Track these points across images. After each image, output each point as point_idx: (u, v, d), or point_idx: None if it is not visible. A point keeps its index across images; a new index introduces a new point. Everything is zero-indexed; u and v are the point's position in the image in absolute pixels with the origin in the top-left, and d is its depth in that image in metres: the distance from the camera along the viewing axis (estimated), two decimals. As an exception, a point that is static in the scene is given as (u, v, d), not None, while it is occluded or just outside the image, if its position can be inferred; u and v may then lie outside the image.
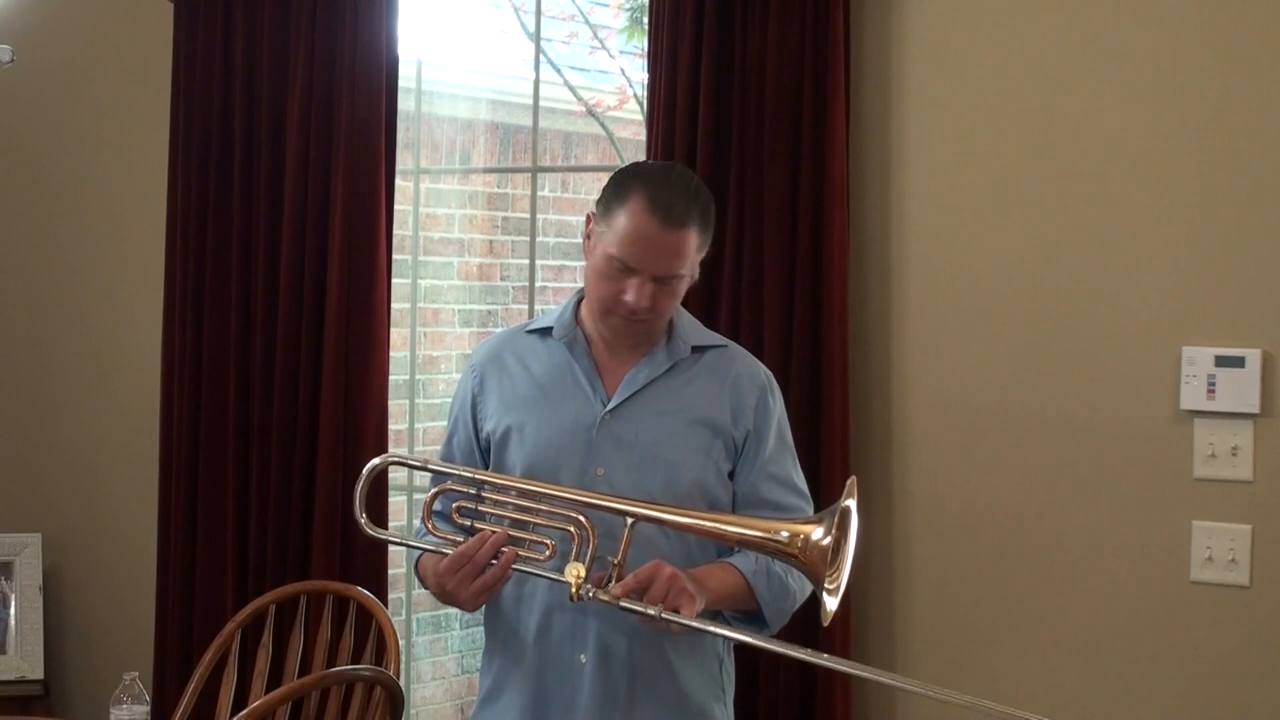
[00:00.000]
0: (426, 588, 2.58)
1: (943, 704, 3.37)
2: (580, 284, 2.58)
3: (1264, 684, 3.15)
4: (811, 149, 3.39)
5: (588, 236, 2.50)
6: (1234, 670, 3.18)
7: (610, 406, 2.49)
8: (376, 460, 2.54)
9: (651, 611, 2.28)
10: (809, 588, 2.52)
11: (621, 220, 2.40)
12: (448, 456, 2.62)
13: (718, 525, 2.36)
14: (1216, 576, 3.18)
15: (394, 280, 3.98)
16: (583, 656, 2.46)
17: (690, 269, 2.46)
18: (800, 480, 2.58)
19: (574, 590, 2.30)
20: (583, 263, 2.59)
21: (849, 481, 2.33)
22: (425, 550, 2.51)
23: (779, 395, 2.59)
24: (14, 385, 4.53)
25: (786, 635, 2.61)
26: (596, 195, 2.52)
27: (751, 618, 2.48)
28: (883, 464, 3.47)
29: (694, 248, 2.43)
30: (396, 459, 2.62)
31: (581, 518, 2.35)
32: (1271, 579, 3.15)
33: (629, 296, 2.41)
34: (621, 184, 2.45)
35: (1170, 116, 3.22)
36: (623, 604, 2.30)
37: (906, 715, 3.47)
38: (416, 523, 2.73)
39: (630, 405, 2.49)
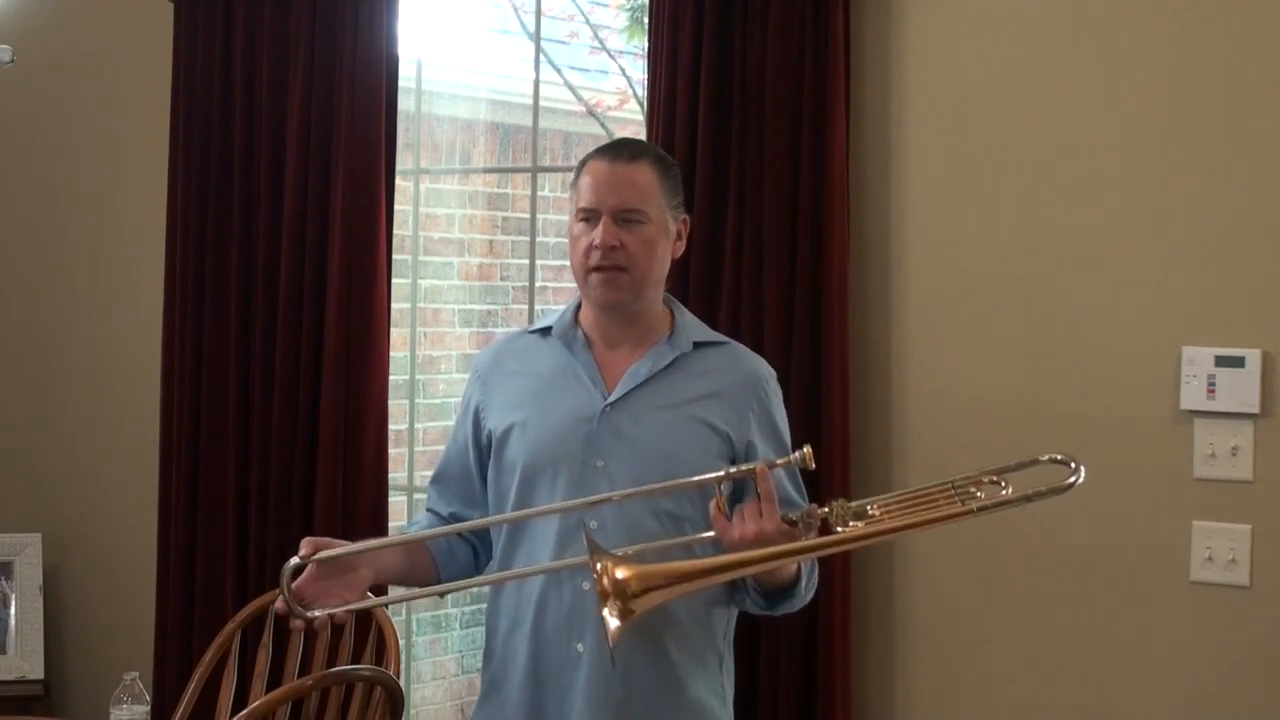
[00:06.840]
0: None
1: (945, 703, 3.43)
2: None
3: (1264, 684, 3.15)
4: (811, 149, 3.39)
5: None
6: (1234, 670, 3.18)
7: (612, 399, 2.50)
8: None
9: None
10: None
11: (582, 181, 2.51)
12: (444, 465, 2.68)
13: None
14: (1216, 576, 3.18)
15: (394, 280, 3.98)
16: (580, 646, 2.45)
17: (655, 210, 2.49)
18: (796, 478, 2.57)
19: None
20: None
21: None
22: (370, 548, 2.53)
23: (778, 392, 2.59)
24: (14, 385, 4.53)
25: (785, 629, 2.62)
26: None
27: (781, 593, 2.48)
28: (883, 464, 3.47)
29: (653, 187, 2.49)
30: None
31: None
32: (1271, 579, 3.15)
33: (596, 240, 2.45)
34: (581, 160, 2.56)
35: (1170, 116, 3.22)
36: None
37: (907, 713, 3.47)
38: (418, 518, 2.74)
39: (632, 398, 2.50)
